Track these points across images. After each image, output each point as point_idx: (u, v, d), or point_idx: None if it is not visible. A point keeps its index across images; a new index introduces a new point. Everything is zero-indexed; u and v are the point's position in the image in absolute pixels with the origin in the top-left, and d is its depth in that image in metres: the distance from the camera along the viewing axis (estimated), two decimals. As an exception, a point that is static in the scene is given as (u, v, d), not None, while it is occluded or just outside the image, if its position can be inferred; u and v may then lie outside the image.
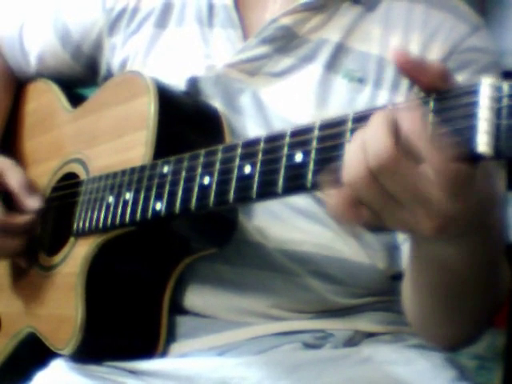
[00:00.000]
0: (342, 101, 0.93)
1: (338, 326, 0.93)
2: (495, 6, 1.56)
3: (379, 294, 0.95)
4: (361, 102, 0.92)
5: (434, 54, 0.92)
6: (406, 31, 0.94)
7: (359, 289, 0.94)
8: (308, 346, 0.92)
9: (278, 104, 0.94)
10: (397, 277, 0.94)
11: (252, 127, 0.94)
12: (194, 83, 0.97)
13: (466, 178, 0.57)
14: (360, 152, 0.59)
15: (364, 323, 0.95)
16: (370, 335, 0.94)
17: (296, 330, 0.93)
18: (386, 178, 0.58)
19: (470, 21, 0.96)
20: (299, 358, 0.91)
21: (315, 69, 0.94)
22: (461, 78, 0.91)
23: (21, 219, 1.01)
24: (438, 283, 0.75)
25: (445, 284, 0.75)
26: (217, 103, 0.95)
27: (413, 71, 0.59)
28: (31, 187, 1.03)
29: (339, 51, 0.95)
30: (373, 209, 0.60)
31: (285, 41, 0.96)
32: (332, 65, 0.94)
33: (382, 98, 0.92)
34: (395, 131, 0.58)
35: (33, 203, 1.01)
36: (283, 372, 0.88)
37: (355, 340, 0.93)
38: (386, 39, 0.94)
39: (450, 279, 0.74)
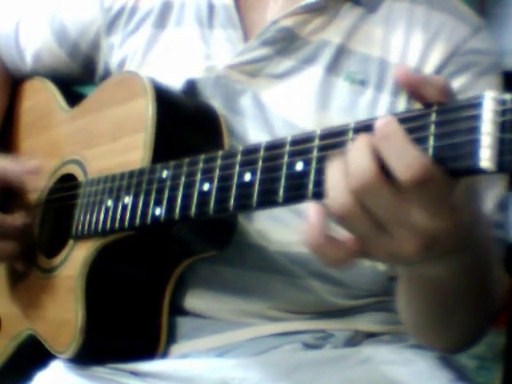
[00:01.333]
0: (343, 103, 0.92)
1: (338, 327, 0.94)
2: (495, 6, 1.55)
3: (379, 295, 0.95)
4: (362, 105, 0.91)
5: (436, 56, 0.91)
6: (408, 33, 0.93)
7: (360, 290, 0.94)
8: (308, 346, 0.92)
9: (279, 106, 0.94)
10: (397, 278, 0.94)
11: (253, 129, 0.94)
12: (192, 85, 0.96)
13: (446, 195, 0.56)
14: (342, 177, 0.59)
15: (364, 323, 0.95)
16: (371, 335, 0.95)
17: (296, 330, 0.93)
18: (369, 200, 0.57)
19: (470, 22, 0.95)
20: (299, 358, 0.91)
21: (316, 71, 0.94)
22: (462, 80, 0.91)
23: (16, 220, 0.99)
24: (429, 300, 0.75)
25: (435, 300, 0.74)
26: (216, 104, 0.95)
27: (413, 86, 0.58)
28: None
29: (340, 53, 0.94)
30: (356, 237, 0.60)
31: (286, 43, 0.95)
32: (333, 67, 0.93)
33: (384, 101, 0.91)
34: (376, 154, 0.57)
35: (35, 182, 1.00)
36: (283, 372, 0.89)
37: (355, 340, 0.94)
38: (388, 41, 0.93)
39: (440, 296, 0.73)
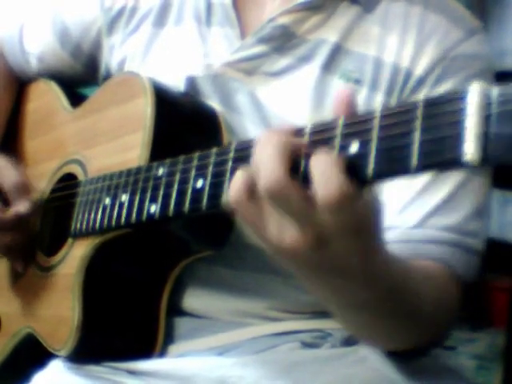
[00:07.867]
0: None
1: (336, 326, 0.93)
2: (495, 6, 1.54)
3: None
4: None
5: (426, 58, 0.91)
6: (403, 33, 0.93)
7: (358, 289, 0.94)
8: (306, 345, 0.93)
9: (275, 104, 0.94)
10: None
11: (250, 126, 0.94)
12: (192, 82, 0.97)
13: (349, 199, 0.58)
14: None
15: (362, 323, 0.95)
16: (368, 335, 0.94)
17: (294, 330, 0.93)
18: (272, 201, 0.61)
19: (464, 25, 0.94)
20: (297, 357, 0.91)
21: (312, 69, 0.94)
22: (450, 85, 0.90)
23: (10, 214, 0.99)
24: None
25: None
26: (214, 102, 0.95)
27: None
28: (25, 189, 1.02)
29: (337, 52, 0.94)
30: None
31: (282, 40, 0.95)
32: (329, 65, 0.93)
33: (378, 100, 0.91)
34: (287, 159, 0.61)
35: (21, 207, 1.00)
36: (281, 371, 0.89)
37: (353, 340, 0.93)
38: (384, 40, 0.93)
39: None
